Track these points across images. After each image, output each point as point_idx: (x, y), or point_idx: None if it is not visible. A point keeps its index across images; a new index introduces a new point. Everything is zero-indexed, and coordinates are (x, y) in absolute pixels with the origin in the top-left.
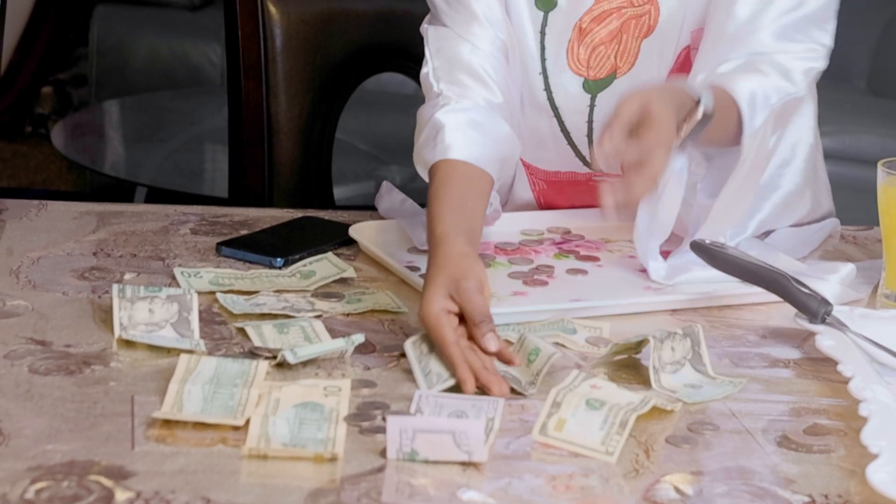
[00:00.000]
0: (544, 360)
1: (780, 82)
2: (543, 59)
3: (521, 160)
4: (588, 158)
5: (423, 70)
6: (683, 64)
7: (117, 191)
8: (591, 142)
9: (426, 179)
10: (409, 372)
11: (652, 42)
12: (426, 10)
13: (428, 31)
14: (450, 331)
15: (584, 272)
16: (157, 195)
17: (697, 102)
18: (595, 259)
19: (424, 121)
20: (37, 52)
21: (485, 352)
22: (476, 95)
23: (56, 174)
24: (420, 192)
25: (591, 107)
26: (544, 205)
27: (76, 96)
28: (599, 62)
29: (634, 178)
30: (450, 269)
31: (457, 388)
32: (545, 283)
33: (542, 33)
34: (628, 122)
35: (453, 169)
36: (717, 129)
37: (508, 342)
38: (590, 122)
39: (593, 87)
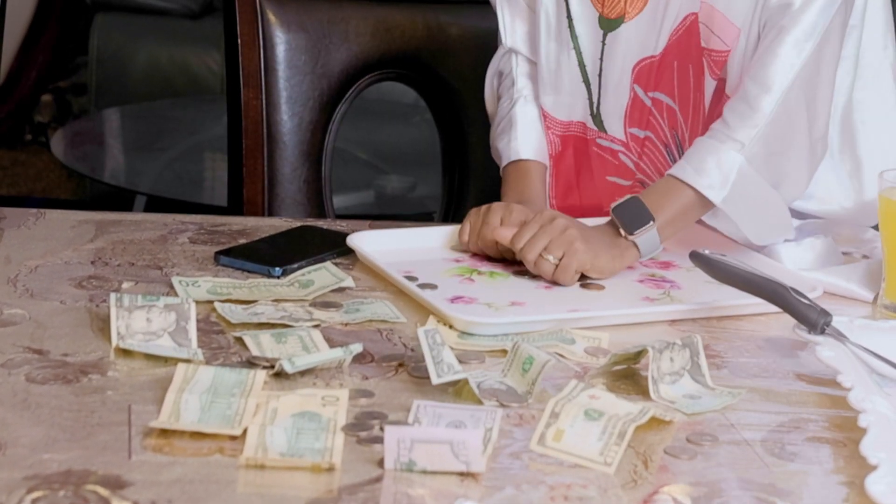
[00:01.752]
0: (538, 368)
1: (737, 134)
2: None
3: (542, 108)
4: (595, 105)
5: (509, 64)
6: (689, 28)
7: (117, 199)
8: (601, 83)
9: (497, 161)
10: (406, 382)
11: None
12: (427, 19)
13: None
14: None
15: (583, 281)
16: (157, 204)
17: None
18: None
19: (504, 112)
20: (37, 61)
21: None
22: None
23: (56, 182)
24: (418, 201)
25: (603, 44)
26: (554, 172)
27: (76, 105)
28: (613, 1)
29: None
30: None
31: (464, 387)
32: (548, 287)
33: None
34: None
35: (523, 167)
36: (684, 220)
37: (503, 351)
38: (601, 59)
39: (605, 24)
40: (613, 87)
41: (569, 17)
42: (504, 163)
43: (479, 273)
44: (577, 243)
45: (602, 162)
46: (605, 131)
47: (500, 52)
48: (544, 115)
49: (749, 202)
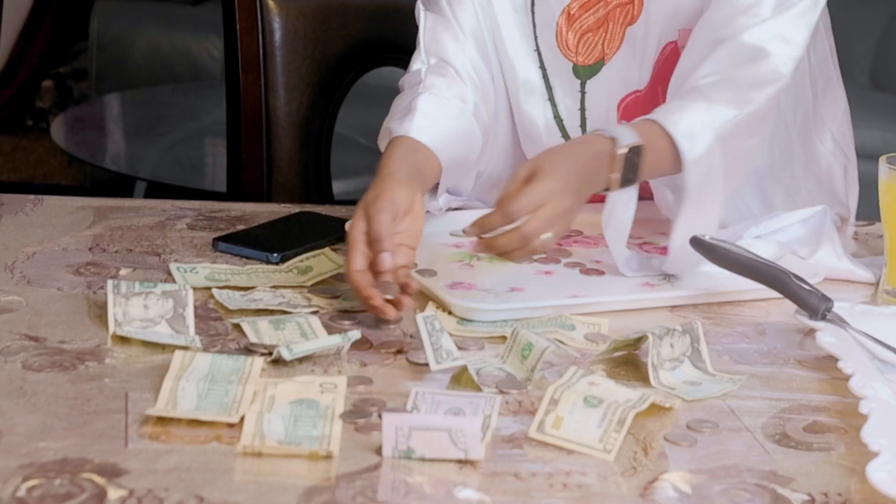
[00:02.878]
0: (538, 354)
1: (724, 109)
2: (536, 37)
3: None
4: None
5: (415, 66)
6: (669, 57)
7: (117, 185)
8: (584, 132)
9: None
10: (405, 369)
11: (636, 30)
12: None
13: (422, 16)
14: (356, 256)
15: (582, 266)
16: (157, 189)
17: (614, 143)
18: (592, 252)
19: (401, 106)
20: (37, 47)
21: (376, 274)
22: (457, 92)
23: (56, 168)
24: None
25: (583, 94)
26: None
27: (76, 90)
28: (588, 48)
29: (503, 244)
30: (370, 192)
31: (463, 374)
32: (549, 273)
33: (532, 12)
34: (519, 179)
35: (413, 143)
36: (656, 163)
37: (502, 338)
38: (582, 109)
39: (583, 72)
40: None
41: (542, 67)
42: (389, 138)
43: (479, 259)
44: (562, 222)
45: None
46: None
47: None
48: None
49: (706, 194)
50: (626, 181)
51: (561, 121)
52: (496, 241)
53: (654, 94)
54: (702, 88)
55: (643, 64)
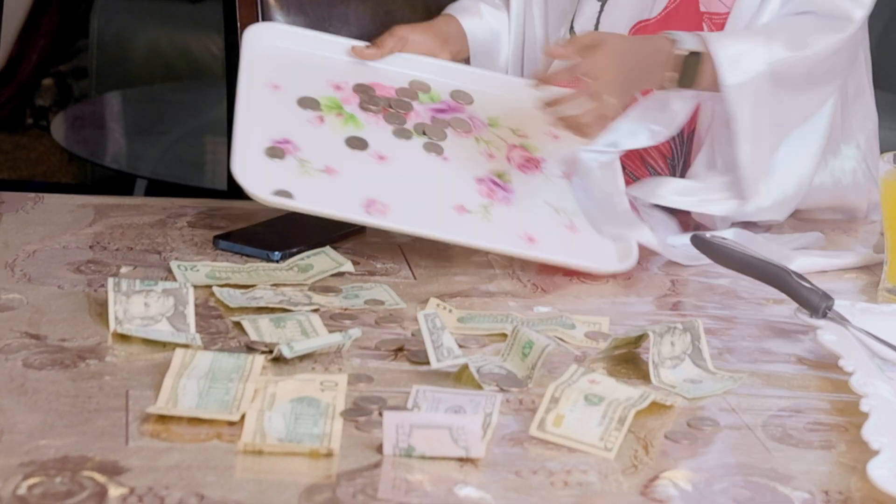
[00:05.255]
0: (538, 352)
1: (781, 48)
2: None
3: None
4: None
5: None
6: None
7: (118, 183)
8: None
9: None
10: (406, 367)
11: None
12: (427, 3)
13: None
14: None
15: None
16: (158, 187)
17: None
18: (447, 142)
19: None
20: (37, 44)
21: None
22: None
23: (57, 166)
24: None
25: (601, 12)
26: None
27: (77, 88)
28: None
29: (586, 113)
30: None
31: (463, 372)
32: (382, 159)
33: None
34: (582, 43)
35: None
36: (711, 75)
37: (503, 336)
38: (596, 25)
39: None
40: None
41: None
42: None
43: (340, 114)
44: (609, 111)
45: None
46: None
47: None
48: None
49: (759, 127)
50: (682, 83)
51: (573, 32)
52: (570, 113)
53: (665, 26)
54: (765, 27)
55: None
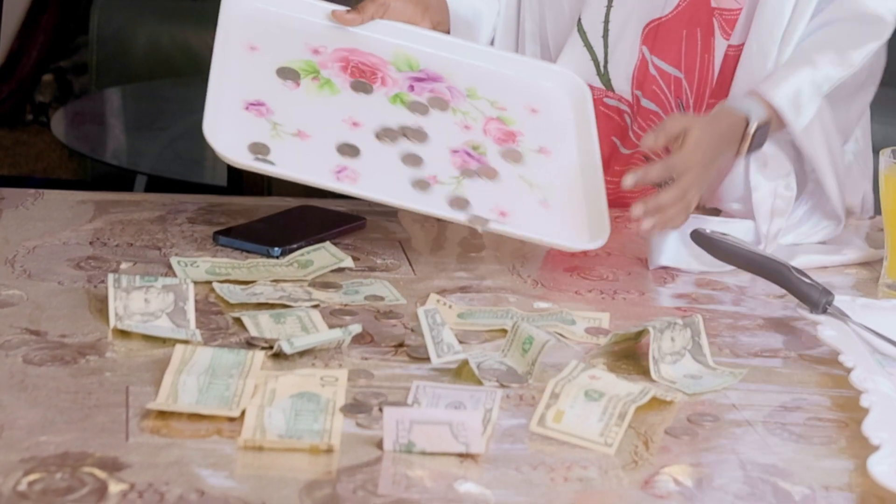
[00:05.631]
0: (538, 348)
1: (830, 70)
2: None
3: None
4: (603, 65)
5: None
6: None
7: (118, 179)
8: (606, 43)
9: None
10: (406, 362)
11: None
12: None
13: None
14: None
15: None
16: (158, 183)
17: (747, 121)
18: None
19: None
20: (37, 40)
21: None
22: None
23: (57, 162)
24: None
25: (609, 8)
26: None
27: (77, 84)
28: None
29: (669, 205)
30: None
31: (464, 368)
32: (356, 125)
33: None
34: (671, 133)
35: None
36: (778, 129)
37: (503, 331)
38: (605, 22)
39: None
40: (622, 46)
41: None
42: None
43: (316, 77)
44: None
45: (607, 121)
46: (613, 90)
47: None
48: None
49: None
50: (752, 151)
51: (585, 33)
52: (662, 208)
53: (675, 27)
54: (806, 50)
55: None
